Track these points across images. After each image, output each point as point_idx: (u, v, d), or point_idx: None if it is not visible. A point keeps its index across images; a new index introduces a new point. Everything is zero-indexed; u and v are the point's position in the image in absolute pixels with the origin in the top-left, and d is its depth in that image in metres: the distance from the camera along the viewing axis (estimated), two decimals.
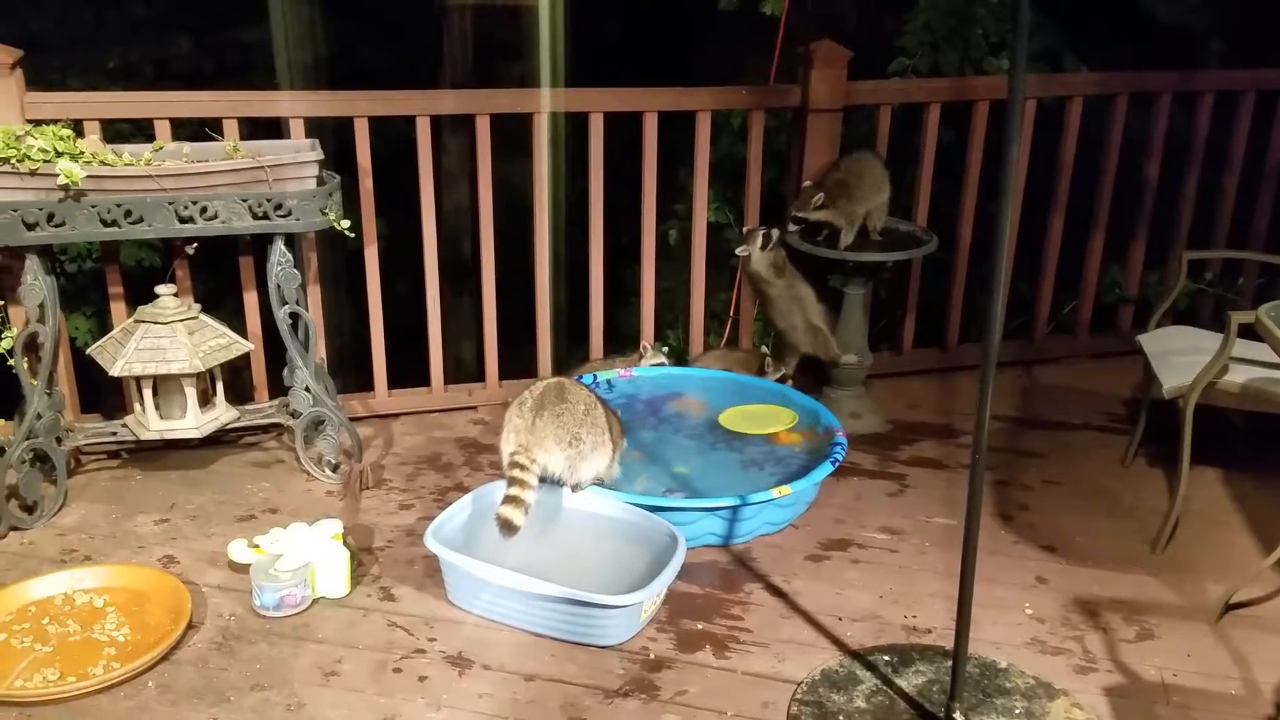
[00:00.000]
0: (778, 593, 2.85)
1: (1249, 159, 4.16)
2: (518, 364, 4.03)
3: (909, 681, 2.49)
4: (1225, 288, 4.29)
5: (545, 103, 3.65)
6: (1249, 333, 2.75)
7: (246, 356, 3.41)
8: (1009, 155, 1.95)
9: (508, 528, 2.72)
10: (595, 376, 3.71)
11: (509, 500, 2.75)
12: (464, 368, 4.80)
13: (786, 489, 2.96)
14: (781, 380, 3.78)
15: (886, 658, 2.58)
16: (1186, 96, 4.10)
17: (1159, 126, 4.10)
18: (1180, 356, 3.22)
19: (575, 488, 2.94)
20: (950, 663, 2.28)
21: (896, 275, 4.17)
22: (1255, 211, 4.21)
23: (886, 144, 3.94)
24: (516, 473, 2.78)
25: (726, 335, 4.18)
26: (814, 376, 3.92)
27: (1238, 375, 2.93)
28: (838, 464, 3.13)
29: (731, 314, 4.17)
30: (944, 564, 2.97)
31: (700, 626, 2.70)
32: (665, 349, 3.88)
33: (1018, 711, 2.39)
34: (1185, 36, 5.02)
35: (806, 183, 3.67)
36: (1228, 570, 2.88)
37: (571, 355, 4.37)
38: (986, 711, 2.39)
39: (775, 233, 3.70)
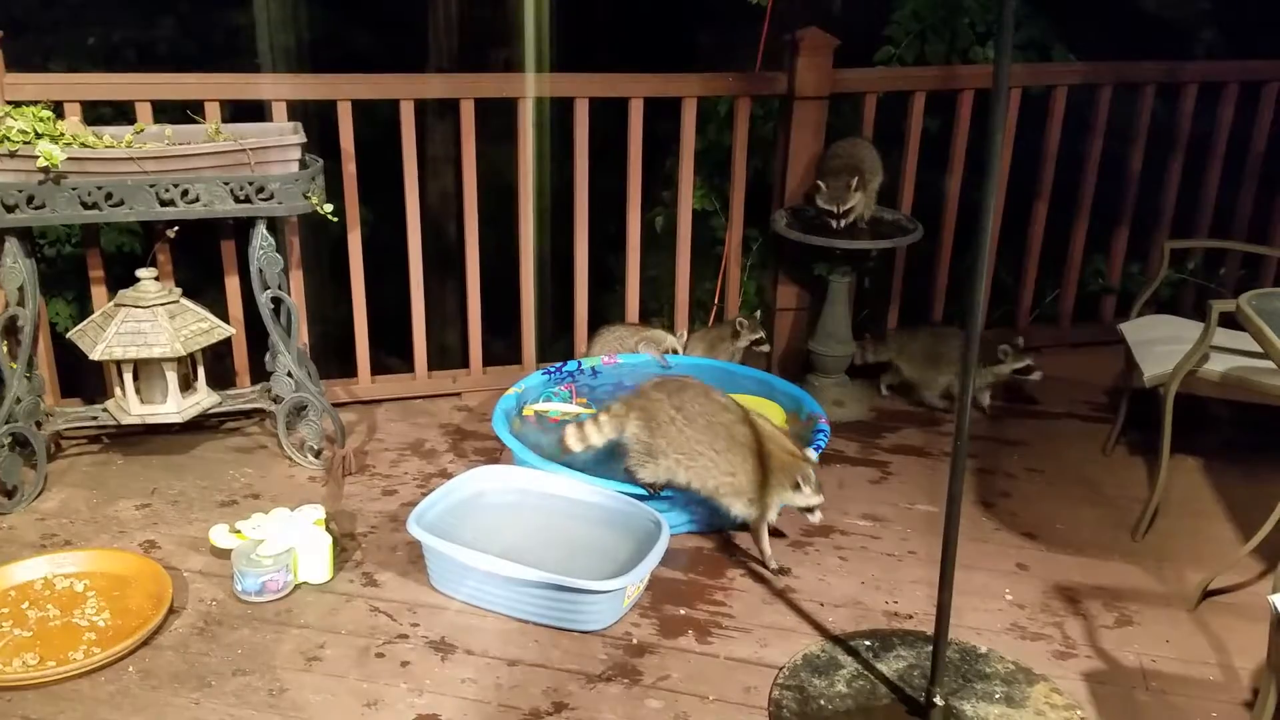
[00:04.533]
0: (760, 579, 2.86)
1: (1231, 149, 4.17)
2: (502, 351, 4.03)
3: (890, 666, 2.51)
4: (1207, 277, 4.31)
5: (530, 87, 3.64)
6: (1230, 322, 2.77)
7: (228, 341, 3.39)
8: (993, 144, 1.96)
9: (562, 446, 2.96)
10: (580, 363, 3.71)
11: (578, 425, 2.96)
12: (448, 354, 4.79)
13: None
14: (757, 343, 3.80)
15: (868, 643, 2.59)
16: (1171, 87, 4.12)
17: (1143, 117, 4.11)
18: (1161, 345, 3.23)
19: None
20: (931, 648, 2.29)
21: (881, 263, 4.17)
22: (1237, 201, 4.23)
23: (872, 132, 3.94)
24: (604, 414, 2.96)
25: (712, 321, 4.18)
26: (798, 364, 3.93)
27: (1218, 364, 2.95)
28: (821, 451, 3.14)
29: (716, 302, 4.17)
30: (926, 550, 2.98)
31: (683, 612, 2.71)
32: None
33: (997, 696, 2.41)
34: (1173, 27, 5.03)
35: (821, 183, 3.62)
36: (1206, 558, 2.90)
37: (555, 343, 4.36)
38: (966, 696, 2.40)
39: (1037, 374, 3.71)
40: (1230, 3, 4.97)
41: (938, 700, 2.30)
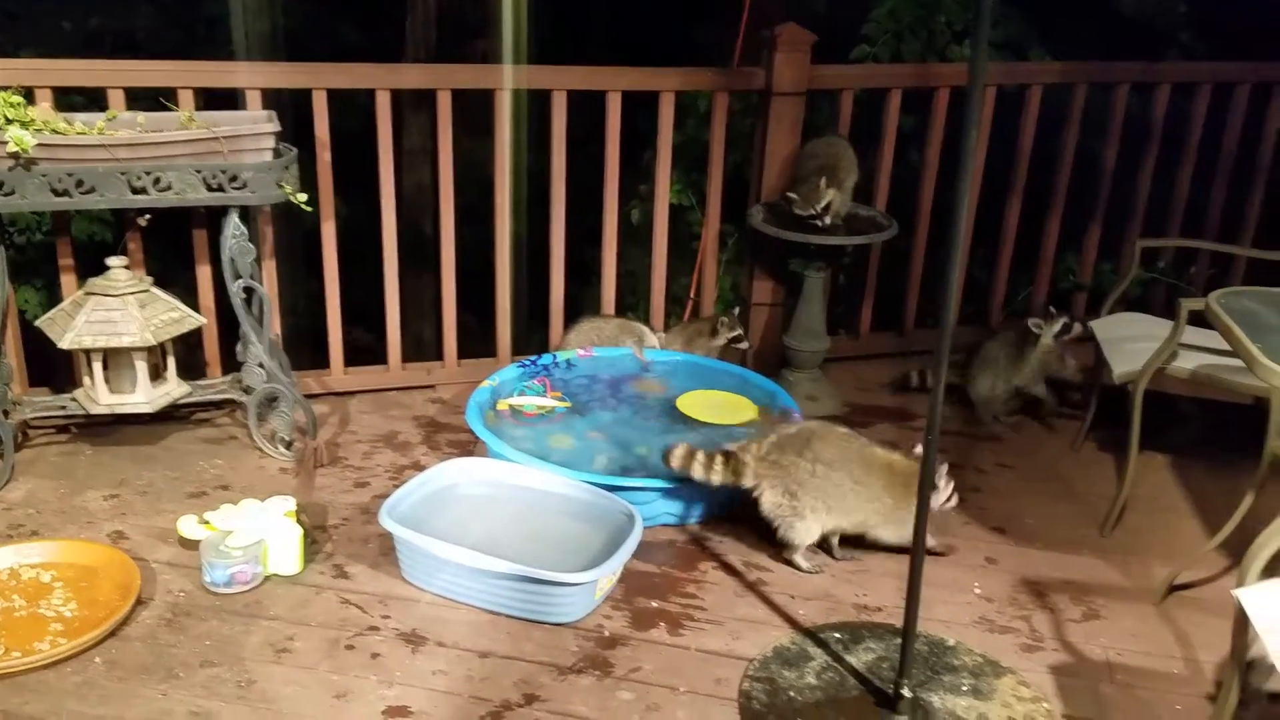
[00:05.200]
0: (733, 571, 2.87)
1: (1203, 150, 4.21)
2: (477, 344, 4.02)
3: (859, 659, 2.52)
4: (1177, 276, 4.36)
5: (508, 79, 3.62)
6: (1199, 320, 2.79)
7: (199, 331, 3.37)
8: (967, 141, 1.97)
9: (665, 457, 2.87)
10: (555, 357, 3.71)
11: (691, 450, 2.86)
12: (423, 347, 4.78)
13: None
14: (736, 340, 3.79)
15: (838, 635, 2.61)
16: (1145, 87, 4.15)
17: (1117, 116, 4.15)
18: (1131, 343, 3.27)
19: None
20: (900, 640, 2.31)
21: (856, 260, 4.19)
22: (1209, 201, 4.27)
23: (848, 129, 3.96)
24: (733, 450, 2.85)
25: (688, 316, 4.19)
26: (773, 358, 3.95)
27: (1187, 361, 2.98)
28: None
29: (692, 295, 4.18)
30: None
31: (655, 604, 2.72)
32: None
33: (965, 688, 2.43)
34: (1149, 29, 5.08)
35: (791, 194, 3.61)
36: (1173, 553, 2.94)
37: (531, 336, 4.35)
38: (934, 688, 2.42)
39: (1076, 327, 3.64)
40: (1205, 6, 5.01)
41: (906, 692, 2.31)
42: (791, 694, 2.40)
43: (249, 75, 3.46)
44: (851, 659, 2.52)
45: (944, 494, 2.87)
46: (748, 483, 2.84)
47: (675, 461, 2.87)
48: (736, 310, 3.95)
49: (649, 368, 3.71)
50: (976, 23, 1.95)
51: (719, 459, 2.86)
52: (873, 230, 3.71)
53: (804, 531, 2.83)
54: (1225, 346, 2.73)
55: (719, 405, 3.50)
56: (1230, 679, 1.99)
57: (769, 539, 3.01)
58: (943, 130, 4.05)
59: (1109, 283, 4.27)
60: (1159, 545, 3.02)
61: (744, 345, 3.84)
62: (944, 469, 2.86)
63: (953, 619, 2.69)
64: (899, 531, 2.83)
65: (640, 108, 3.85)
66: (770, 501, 2.83)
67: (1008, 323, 4.15)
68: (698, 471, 2.85)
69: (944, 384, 2.15)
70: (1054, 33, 4.77)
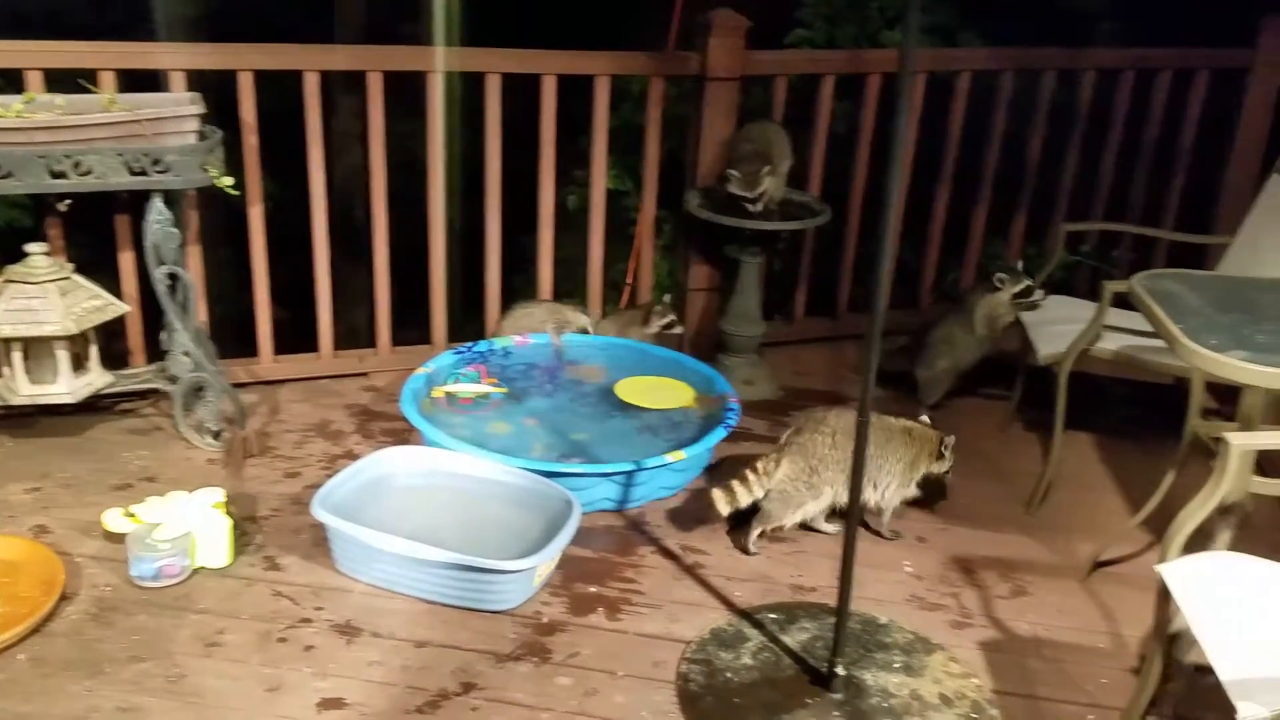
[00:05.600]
0: (670, 555, 2.88)
1: (1126, 135, 4.31)
2: (412, 330, 3.97)
3: (794, 638, 2.55)
4: (1100, 259, 4.45)
5: (440, 61, 3.58)
6: (1122, 302, 2.86)
7: (122, 319, 3.28)
8: (897, 127, 1.99)
9: (712, 510, 2.84)
10: (491, 343, 3.69)
11: (723, 486, 2.84)
12: (355, 334, 4.71)
13: (681, 454, 2.99)
14: (669, 327, 3.80)
15: (773, 615, 2.64)
16: (1070, 73, 4.23)
17: (1043, 102, 4.22)
18: (1056, 325, 3.34)
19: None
20: (834, 619, 2.34)
21: (790, 245, 4.22)
22: (1131, 186, 4.37)
23: (782, 115, 3.98)
24: (749, 472, 2.85)
25: (625, 301, 4.18)
26: (709, 343, 3.96)
27: (1110, 343, 3.06)
28: (731, 429, 3.17)
29: (629, 280, 4.18)
30: None
31: (594, 590, 2.72)
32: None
33: (897, 665, 2.47)
34: (1076, 15, 5.17)
35: (733, 171, 3.59)
36: (1097, 530, 3.01)
37: (467, 325, 4.32)
38: (867, 666, 2.46)
39: (1039, 294, 3.60)
40: None
41: (840, 670, 2.35)
42: (728, 674, 2.42)
43: (172, 56, 3.37)
44: (787, 639, 2.55)
45: (947, 463, 3.01)
46: (781, 472, 2.85)
47: (724, 507, 2.83)
48: (668, 298, 3.96)
49: (561, 354, 3.68)
50: (908, 11, 1.97)
51: (749, 475, 2.85)
52: (807, 215, 3.73)
53: (811, 508, 2.88)
54: (1147, 328, 2.80)
55: (655, 389, 3.51)
56: (1154, 652, 2.05)
57: (705, 522, 3.03)
58: (875, 115, 4.08)
59: (1034, 266, 4.35)
60: (1083, 522, 3.10)
61: (678, 330, 3.85)
62: (951, 440, 2.99)
63: (885, 597, 2.73)
64: (904, 492, 2.96)
65: (574, 92, 3.82)
66: (783, 477, 2.84)
67: (940, 305, 4.20)
68: (746, 500, 2.84)
69: (874, 366, 2.17)
70: (981, 16, 4.83)
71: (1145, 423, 3.59)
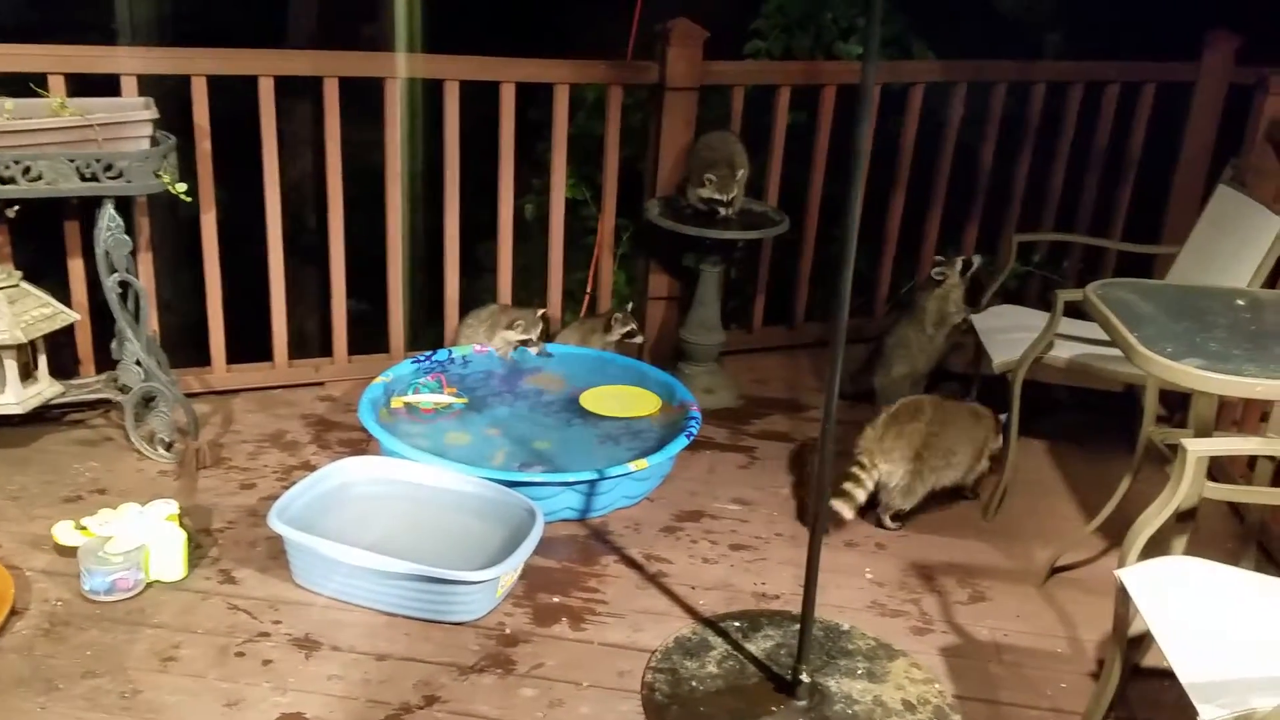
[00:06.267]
0: (634, 564, 2.88)
1: (1075, 146, 4.39)
2: (369, 340, 3.93)
3: (758, 646, 2.56)
4: (1051, 270, 4.53)
5: (398, 68, 3.55)
6: (1073, 311, 2.92)
7: (71, 328, 3.22)
8: (858, 139, 2.00)
9: (834, 520, 2.97)
10: (450, 352, 3.66)
11: (838, 493, 2.98)
12: (311, 343, 4.65)
13: (643, 463, 2.99)
14: (629, 335, 3.79)
15: (737, 624, 2.64)
16: (1021, 86, 4.30)
17: (995, 114, 4.29)
18: (1009, 333, 3.38)
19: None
20: (798, 626, 2.35)
21: (748, 255, 4.24)
22: (1080, 197, 4.45)
23: (740, 125, 4.00)
24: (855, 470, 3.00)
25: (585, 310, 4.17)
26: (669, 352, 3.97)
27: (1063, 351, 3.11)
28: (692, 438, 3.18)
29: (589, 289, 4.17)
30: (791, 532, 3.06)
31: (557, 600, 2.71)
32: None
33: (860, 672, 2.49)
34: (1025, 28, 5.26)
35: (710, 175, 3.61)
36: (1053, 536, 3.06)
37: (425, 332, 4.28)
38: (831, 673, 2.47)
39: (977, 259, 3.71)
40: (1075, 8, 5.21)
41: (804, 677, 2.36)
42: (694, 683, 2.42)
43: (126, 60, 3.31)
44: (751, 646, 2.55)
45: (999, 440, 3.23)
46: (883, 467, 3.01)
47: (849, 512, 2.98)
48: (630, 306, 3.96)
49: (471, 357, 3.64)
50: (869, 26, 1.99)
51: (858, 473, 3.00)
52: (766, 225, 3.76)
53: (920, 493, 3.05)
54: (1099, 336, 2.86)
55: (621, 398, 3.51)
56: (1112, 656, 2.08)
57: (668, 531, 3.03)
58: (830, 126, 4.12)
59: (985, 276, 4.42)
60: (1039, 528, 3.14)
61: (638, 339, 3.85)
62: (1004, 418, 3.18)
63: (846, 604, 2.75)
64: (979, 469, 3.21)
65: (529, 100, 3.80)
66: (887, 471, 3.01)
67: (893, 313, 4.25)
68: (863, 495, 3.00)
69: (838, 377, 2.19)
70: (933, 29, 4.90)
71: (1094, 429, 3.66)
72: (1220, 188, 3.39)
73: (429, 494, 2.91)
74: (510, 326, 3.62)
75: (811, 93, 4.13)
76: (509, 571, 2.60)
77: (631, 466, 2.96)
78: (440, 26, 4.61)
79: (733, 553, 2.96)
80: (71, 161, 2.87)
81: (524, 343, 3.62)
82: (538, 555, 2.78)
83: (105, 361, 3.35)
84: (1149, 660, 2.39)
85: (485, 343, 3.67)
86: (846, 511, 2.97)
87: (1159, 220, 4.32)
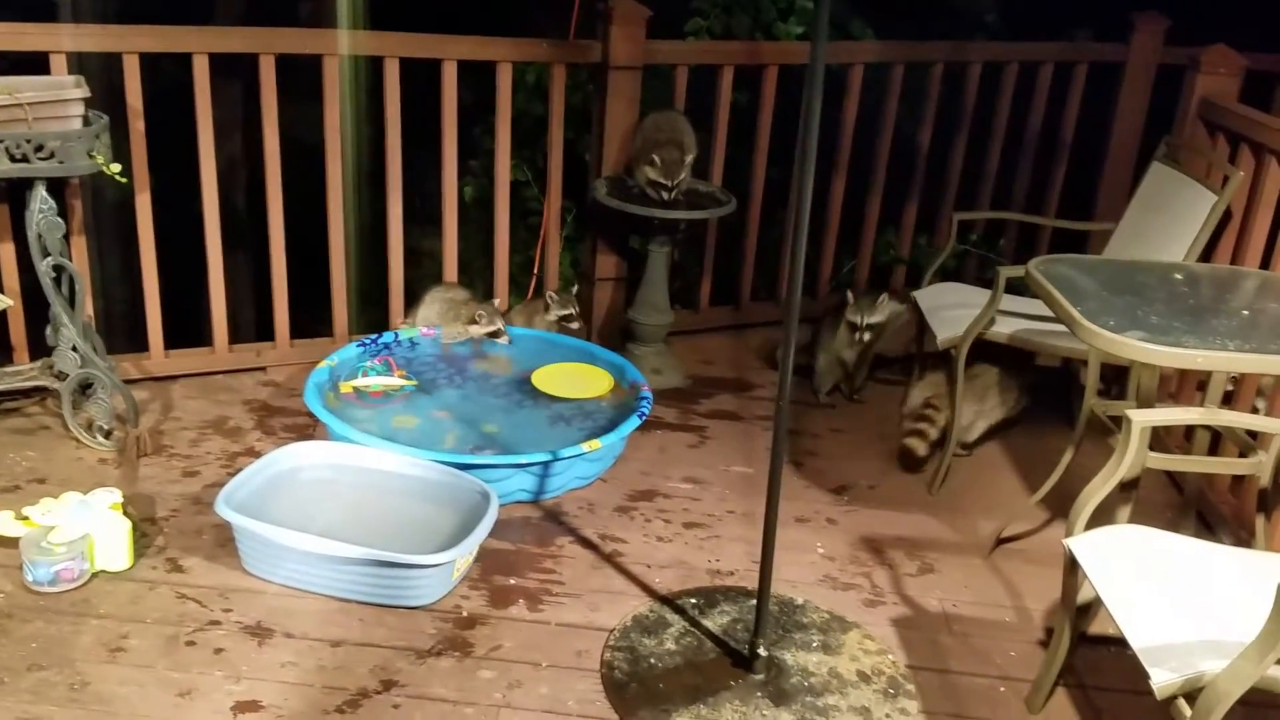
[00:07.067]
0: (589, 545, 2.88)
1: (1010, 127, 4.47)
2: (311, 323, 3.87)
3: (715, 622, 2.58)
4: (988, 248, 4.61)
5: (337, 44, 3.49)
6: (1013, 287, 2.98)
7: (4, 314, 3.13)
8: (808, 120, 2.02)
9: (912, 457, 3.33)
10: (396, 335, 3.62)
11: (913, 433, 3.35)
12: (252, 328, 4.56)
13: (596, 443, 2.99)
14: (566, 319, 3.77)
15: (694, 601, 2.66)
16: (958, 66, 4.36)
17: (932, 95, 4.34)
18: (951, 310, 3.44)
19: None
20: (753, 602, 2.37)
21: (692, 235, 4.25)
22: (1016, 175, 4.54)
23: (684, 105, 4.00)
24: (929, 410, 3.37)
25: (530, 292, 4.15)
26: (616, 333, 3.96)
27: (1005, 326, 3.17)
28: (645, 418, 3.18)
29: (535, 271, 4.15)
30: (743, 509, 3.08)
31: (513, 582, 2.70)
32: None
33: (815, 644, 2.53)
34: (958, 8, 5.34)
35: (656, 156, 3.59)
36: (997, 508, 3.13)
37: (365, 315, 4.22)
38: (786, 646, 2.51)
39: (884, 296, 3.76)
40: None
41: (761, 651, 2.39)
42: (652, 660, 2.44)
43: (52, 38, 3.19)
44: (708, 623, 2.58)
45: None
46: (968, 407, 3.34)
47: (923, 449, 3.33)
48: (575, 288, 3.94)
49: (418, 339, 3.62)
50: (818, 7, 2.00)
51: (931, 414, 3.36)
52: (713, 205, 3.77)
53: (981, 429, 3.45)
54: (1039, 312, 2.92)
55: (573, 378, 3.49)
56: (1061, 624, 2.14)
57: (622, 511, 3.04)
58: (773, 107, 4.13)
59: (924, 255, 4.49)
60: (983, 501, 3.21)
61: (575, 325, 3.81)
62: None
63: (799, 579, 2.79)
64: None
65: (461, 84, 3.75)
66: (963, 411, 3.27)
67: (834, 294, 4.29)
68: (935, 435, 3.33)
69: (790, 355, 2.21)
70: (870, 8, 4.93)
71: (1039, 404, 3.74)
72: (1154, 165, 3.48)
73: (380, 478, 2.88)
74: (474, 321, 3.59)
75: (753, 73, 4.15)
76: (464, 555, 2.59)
77: (585, 447, 2.96)
78: (380, 5, 4.53)
79: (686, 531, 2.98)
80: (0, 142, 2.77)
81: (492, 335, 3.60)
82: (492, 538, 2.76)
83: (40, 348, 3.25)
84: (1095, 628, 2.47)
85: (439, 323, 3.63)
86: (923, 450, 3.31)
87: (1091, 198, 4.42)
